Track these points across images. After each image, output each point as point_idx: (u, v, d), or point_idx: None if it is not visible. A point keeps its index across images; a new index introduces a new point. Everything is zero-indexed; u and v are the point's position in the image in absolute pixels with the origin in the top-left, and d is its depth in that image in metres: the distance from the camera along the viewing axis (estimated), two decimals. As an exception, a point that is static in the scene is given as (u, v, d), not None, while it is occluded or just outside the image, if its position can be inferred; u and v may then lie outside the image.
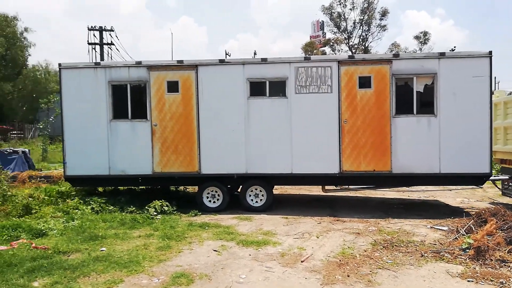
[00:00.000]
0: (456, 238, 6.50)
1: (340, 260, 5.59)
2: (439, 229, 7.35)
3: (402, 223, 7.83)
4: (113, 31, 29.02)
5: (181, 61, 8.83)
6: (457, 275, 5.07)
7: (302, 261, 5.53)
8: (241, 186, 9.05)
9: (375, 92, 8.43)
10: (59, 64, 9.09)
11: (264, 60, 8.76)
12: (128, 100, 8.93)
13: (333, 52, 46.04)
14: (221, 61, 8.86)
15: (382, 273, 5.13)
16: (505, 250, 5.64)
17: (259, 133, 8.72)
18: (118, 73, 8.92)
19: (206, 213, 8.70)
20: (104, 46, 28.75)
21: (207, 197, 9.03)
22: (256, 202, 8.95)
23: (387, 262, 5.54)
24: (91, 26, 28.50)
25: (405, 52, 42.44)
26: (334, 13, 44.84)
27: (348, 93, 8.51)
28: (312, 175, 8.74)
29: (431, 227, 7.49)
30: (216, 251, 5.94)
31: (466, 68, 8.18)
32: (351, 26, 45.19)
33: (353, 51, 45.13)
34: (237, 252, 5.90)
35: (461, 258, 5.65)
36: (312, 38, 48.39)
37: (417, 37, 44.38)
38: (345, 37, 45.95)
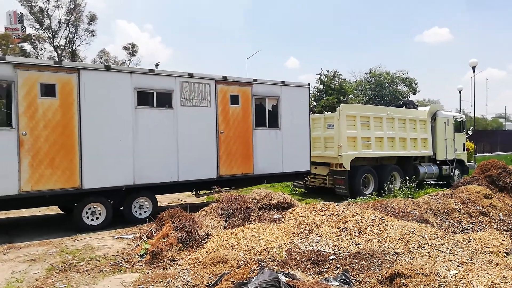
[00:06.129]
0: (138, 245, 6.36)
1: (0, 300, 4.74)
2: (125, 238, 7.24)
3: (90, 237, 7.38)
4: None
5: (59, 62, 7.57)
6: (130, 284, 4.92)
7: None
8: (125, 199, 8.61)
9: (242, 109, 10.14)
10: None
11: (151, 72, 8.85)
12: None
13: (34, 50, 40.61)
14: (107, 68, 8.25)
15: (48, 303, 4.59)
16: (175, 249, 5.84)
17: (147, 142, 8.63)
18: None
19: (87, 232, 7.68)
20: None
21: (87, 215, 8.10)
22: (141, 214, 8.83)
23: (59, 287, 5.00)
24: None
25: (115, 61, 43.68)
26: (35, 6, 39.60)
27: (223, 108, 9.82)
28: (196, 181, 9.46)
29: (118, 237, 7.30)
30: None
31: (296, 94, 11.28)
32: (56, 25, 41.48)
33: (59, 52, 41.60)
34: None
35: (138, 265, 5.58)
36: (8, 31, 40.45)
37: (126, 48, 46.34)
38: (49, 36, 41.50)
